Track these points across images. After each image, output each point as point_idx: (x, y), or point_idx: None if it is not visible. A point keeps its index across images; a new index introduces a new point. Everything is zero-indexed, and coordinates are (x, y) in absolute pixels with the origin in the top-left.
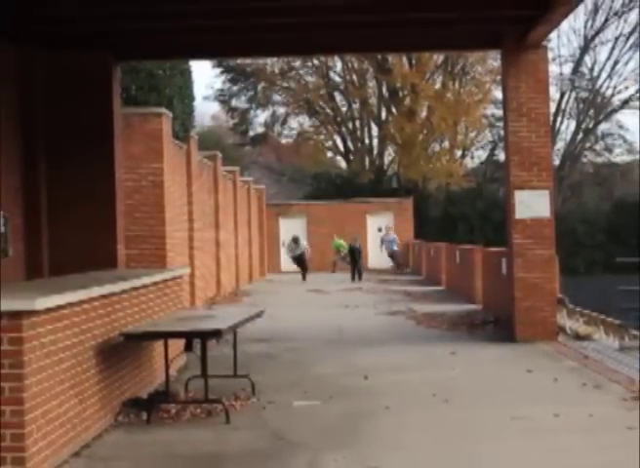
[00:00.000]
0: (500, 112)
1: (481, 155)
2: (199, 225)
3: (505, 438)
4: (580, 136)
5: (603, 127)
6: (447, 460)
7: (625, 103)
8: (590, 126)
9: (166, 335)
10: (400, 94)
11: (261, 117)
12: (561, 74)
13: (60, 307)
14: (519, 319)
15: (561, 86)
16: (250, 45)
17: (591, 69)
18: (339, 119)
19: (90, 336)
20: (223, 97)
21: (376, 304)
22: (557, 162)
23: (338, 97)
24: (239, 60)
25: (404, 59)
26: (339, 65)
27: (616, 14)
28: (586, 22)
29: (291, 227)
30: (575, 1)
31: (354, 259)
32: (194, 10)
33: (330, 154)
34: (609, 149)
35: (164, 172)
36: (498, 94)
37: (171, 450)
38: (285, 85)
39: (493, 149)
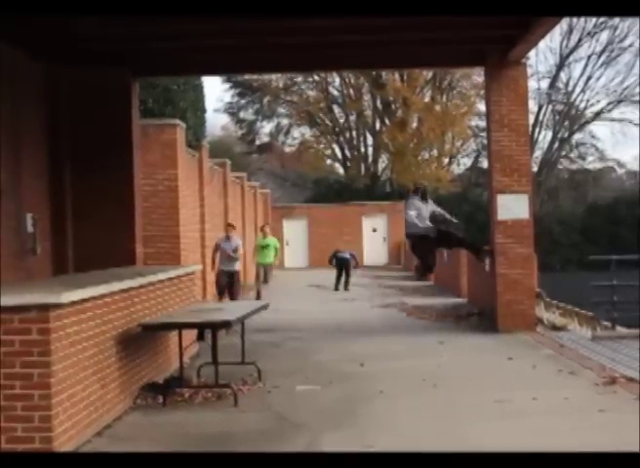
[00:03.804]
0: (483, 123)
1: (466, 162)
2: (210, 226)
3: (489, 419)
4: (557, 144)
5: (577, 137)
6: (437, 440)
7: (597, 115)
8: (565, 136)
9: (180, 326)
10: (393, 106)
11: (267, 128)
12: (539, 89)
13: (83, 301)
14: (501, 311)
15: (539, 99)
16: (256, 62)
17: (566, 84)
18: (337, 129)
19: (111, 327)
20: (232, 110)
21: (370, 298)
22: (535, 168)
23: (336, 109)
24: (246, 76)
25: (396, 75)
26: (337, 81)
27: (588, 34)
28: (562, 42)
29: (294, 228)
30: (551, 22)
31: (341, 270)
32: (205, 31)
33: (329, 161)
34: (582, 157)
35: (178, 177)
36: (481, 106)
37: (184, 430)
38: (288, 98)
39: (477, 157)
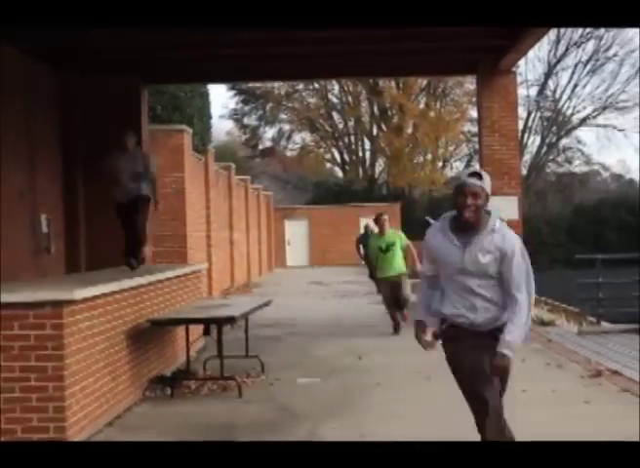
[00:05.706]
0: (475, 129)
1: (459, 166)
2: (215, 226)
3: None
4: (545, 149)
5: (564, 141)
6: (431, 429)
7: (583, 121)
8: (553, 141)
9: (187, 322)
10: (389, 112)
11: (269, 133)
12: (528, 96)
13: (95, 297)
14: None
15: (528, 106)
16: (259, 71)
17: (554, 92)
18: (336, 135)
19: (121, 323)
20: (237, 116)
21: (368, 295)
22: (524, 172)
23: (335, 115)
24: (250, 84)
25: (393, 83)
26: (336, 88)
27: (575, 44)
28: (550, 51)
29: (295, 229)
30: (540, 33)
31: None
32: (210, 41)
33: (329, 165)
34: (569, 161)
35: (185, 180)
36: (473, 113)
37: (191, 421)
38: (290, 105)
39: (469, 161)
